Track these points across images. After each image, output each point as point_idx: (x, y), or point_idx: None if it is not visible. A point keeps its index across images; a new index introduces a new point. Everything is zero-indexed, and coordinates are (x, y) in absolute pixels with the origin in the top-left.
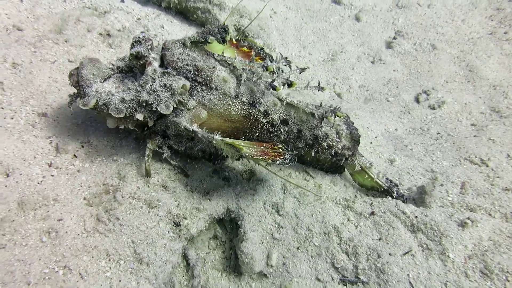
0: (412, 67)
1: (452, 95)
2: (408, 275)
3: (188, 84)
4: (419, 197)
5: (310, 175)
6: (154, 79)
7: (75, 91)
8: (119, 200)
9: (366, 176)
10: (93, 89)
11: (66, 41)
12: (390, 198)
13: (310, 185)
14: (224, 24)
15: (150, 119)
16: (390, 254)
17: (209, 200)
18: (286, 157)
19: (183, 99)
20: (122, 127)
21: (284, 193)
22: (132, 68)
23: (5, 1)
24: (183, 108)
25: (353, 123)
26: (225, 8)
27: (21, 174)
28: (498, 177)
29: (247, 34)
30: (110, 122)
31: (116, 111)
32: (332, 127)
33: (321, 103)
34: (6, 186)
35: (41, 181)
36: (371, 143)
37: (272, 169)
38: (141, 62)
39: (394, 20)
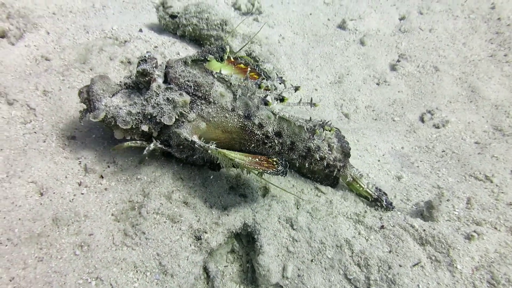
0: (416, 88)
1: (455, 114)
2: (418, 285)
3: (188, 98)
4: (427, 212)
5: (322, 192)
6: (158, 94)
7: (85, 107)
8: (144, 216)
9: (358, 186)
10: (102, 103)
11: (91, 69)
12: (380, 206)
13: (322, 201)
14: (222, 44)
15: (154, 130)
16: (400, 266)
17: (227, 215)
18: (278, 169)
19: (184, 112)
20: (128, 137)
21: (297, 208)
22: (138, 84)
23: (33, 34)
24: (184, 120)
25: (344, 137)
26: (237, 35)
27: (54, 193)
28: (502, 192)
29: (257, 59)
30: (118, 134)
31: (123, 123)
32: (323, 140)
33: (310, 118)
34: (41, 204)
35: (73, 199)
36: (378, 160)
37: (278, 183)
38: (147, 79)
39: (397, 43)
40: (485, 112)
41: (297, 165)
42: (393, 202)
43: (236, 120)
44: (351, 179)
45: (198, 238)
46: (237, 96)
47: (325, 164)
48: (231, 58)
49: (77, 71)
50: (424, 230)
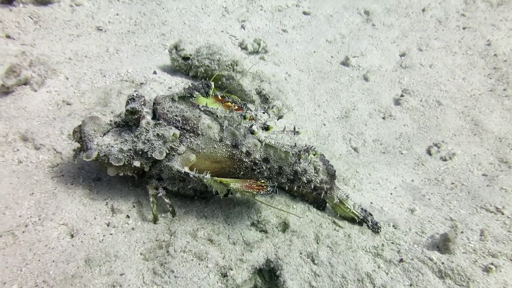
0: (421, 122)
1: (461, 147)
2: None
3: (178, 132)
4: (443, 244)
5: (339, 226)
6: (148, 130)
7: (79, 145)
8: (172, 254)
9: (345, 207)
10: (94, 143)
11: (112, 112)
12: (366, 227)
13: (340, 235)
14: (207, 80)
15: (146, 165)
16: None
17: (251, 251)
18: (268, 189)
19: (174, 145)
20: (121, 174)
21: (317, 243)
22: (128, 122)
23: (53, 79)
24: (174, 154)
25: (328, 161)
26: (247, 74)
27: (84, 234)
28: None
29: (267, 97)
30: (111, 171)
31: (116, 160)
32: (309, 163)
33: (295, 144)
34: (73, 245)
35: (102, 240)
36: (391, 194)
37: (296, 218)
38: (136, 116)
39: (399, 79)
40: (490, 144)
41: (287, 188)
42: (398, 229)
43: (224, 150)
44: (338, 201)
45: (224, 275)
46: (224, 127)
47: (312, 187)
48: (219, 96)
49: (99, 115)
50: (443, 263)
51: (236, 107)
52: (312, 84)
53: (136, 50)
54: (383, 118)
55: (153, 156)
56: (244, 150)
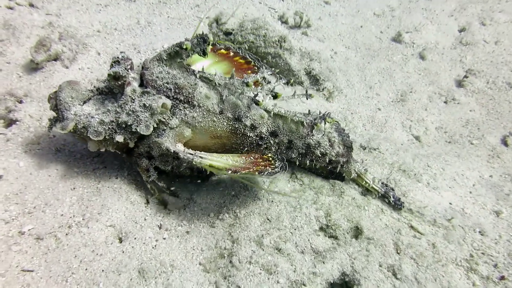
0: (490, 107)
1: None
2: None
3: (168, 102)
4: None
5: (419, 232)
6: (133, 99)
7: (55, 115)
8: (236, 266)
9: (364, 182)
10: (71, 112)
11: None
12: (388, 203)
13: (424, 244)
14: (203, 33)
15: (130, 141)
16: None
17: (323, 262)
18: (276, 165)
19: (164, 118)
20: (103, 150)
21: (398, 253)
22: (112, 89)
23: (85, 55)
24: (165, 128)
25: (344, 130)
26: (294, 52)
27: (135, 238)
28: None
29: (318, 78)
30: (91, 146)
31: (94, 133)
32: (323, 134)
33: (309, 111)
34: (123, 252)
35: (155, 246)
36: (470, 192)
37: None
38: (119, 83)
39: (461, 57)
40: None
41: (297, 163)
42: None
43: (225, 123)
44: (356, 175)
45: None
46: (225, 97)
47: (327, 161)
48: (217, 47)
49: None
50: None
51: (235, 58)
52: (361, 63)
53: (169, 23)
54: (445, 102)
55: (138, 130)
56: (248, 123)
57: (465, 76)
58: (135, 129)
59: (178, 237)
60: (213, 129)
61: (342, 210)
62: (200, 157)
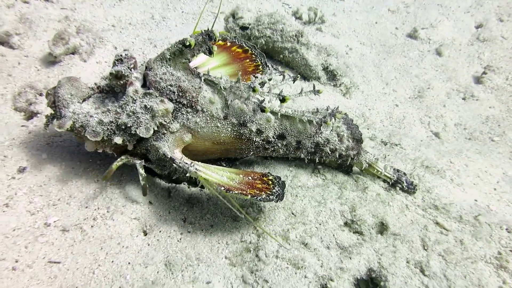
0: (511, 104)
1: None
2: None
3: (170, 106)
4: None
5: (445, 228)
6: (135, 100)
7: (52, 112)
8: (263, 260)
9: (375, 171)
10: (70, 110)
11: None
12: (401, 188)
13: (451, 240)
14: (208, 29)
15: (129, 143)
16: None
17: (350, 258)
18: (274, 191)
19: (165, 122)
20: (100, 150)
21: (425, 249)
22: (114, 88)
23: (102, 49)
24: (165, 132)
25: (352, 121)
26: (311, 47)
27: (160, 231)
28: None
29: (335, 73)
30: (89, 146)
31: (92, 134)
32: (332, 130)
33: (317, 109)
34: (148, 244)
35: (180, 239)
36: (495, 189)
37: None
38: (122, 82)
39: (479, 54)
40: None
41: (306, 161)
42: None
43: (230, 129)
44: (367, 165)
45: (324, 287)
46: (229, 102)
47: (337, 156)
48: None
49: None
50: None
51: (233, 48)
52: (377, 59)
53: (184, 18)
54: (464, 98)
55: (138, 132)
56: (254, 128)
57: (484, 73)
58: (135, 131)
59: (202, 230)
60: (217, 134)
61: (366, 205)
62: (196, 168)
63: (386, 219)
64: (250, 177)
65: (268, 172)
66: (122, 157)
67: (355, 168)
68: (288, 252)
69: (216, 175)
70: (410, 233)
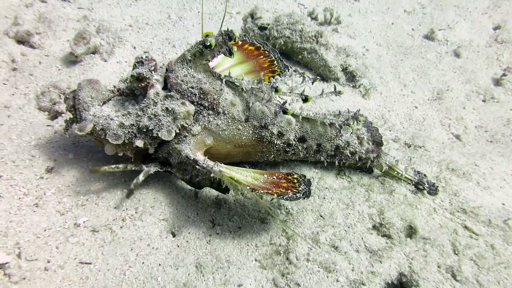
0: None
1: None
2: None
3: (192, 108)
4: None
5: (474, 232)
6: (156, 103)
7: (71, 116)
8: (294, 263)
9: (395, 173)
10: (90, 113)
11: None
12: (422, 189)
13: (482, 245)
14: (228, 29)
15: (150, 146)
16: None
17: (380, 262)
18: (300, 189)
19: (187, 124)
20: (121, 154)
21: (456, 254)
22: (134, 91)
23: (121, 48)
24: (187, 134)
25: (371, 123)
26: (330, 47)
27: (189, 233)
28: None
29: (354, 74)
30: (108, 149)
31: (114, 137)
32: (352, 133)
33: (339, 111)
34: (178, 246)
35: (209, 240)
36: None
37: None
38: (143, 84)
39: (497, 56)
40: None
41: (325, 164)
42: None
43: (251, 131)
44: (387, 167)
45: None
46: (251, 104)
47: (357, 158)
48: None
49: None
50: None
51: (256, 51)
52: (394, 60)
53: (200, 18)
54: (483, 101)
55: (159, 135)
56: (275, 131)
57: (504, 75)
58: (156, 134)
59: (230, 232)
60: (238, 137)
61: (394, 208)
62: (220, 169)
63: (415, 222)
64: (274, 177)
65: (292, 171)
66: (120, 165)
67: (376, 171)
68: (319, 255)
69: (240, 176)
70: (440, 237)
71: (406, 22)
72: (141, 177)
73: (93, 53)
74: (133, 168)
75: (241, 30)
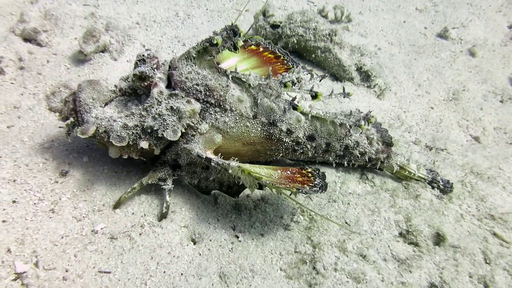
0: None
1: None
2: None
3: (197, 106)
4: None
5: (504, 240)
6: (160, 102)
7: (72, 119)
8: (322, 273)
9: (407, 173)
10: (92, 115)
11: None
12: (437, 187)
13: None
14: (232, 24)
15: (156, 147)
16: None
17: (410, 272)
18: (316, 182)
19: (193, 123)
20: (126, 156)
21: (488, 263)
22: (136, 90)
23: (130, 47)
24: (194, 133)
25: (381, 124)
26: (344, 46)
27: (211, 240)
28: None
29: (369, 74)
30: (113, 152)
31: (117, 139)
32: (361, 133)
33: (351, 111)
34: (200, 254)
35: (232, 248)
36: None
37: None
38: (146, 83)
39: None
40: None
41: (334, 165)
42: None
43: (259, 128)
44: (398, 167)
45: None
46: (259, 100)
47: (366, 159)
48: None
49: None
50: None
51: (265, 53)
52: (407, 59)
53: (209, 15)
54: (501, 101)
55: (165, 135)
56: (284, 128)
57: None
58: (162, 134)
59: (253, 239)
60: (246, 135)
61: (421, 214)
62: (238, 164)
63: (443, 229)
64: (288, 172)
65: (304, 165)
66: (137, 186)
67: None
68: (347, 265)
69: (256, 171)
70: (469, 245)
71: (418, 20)
72: (167, 198)
73: (103, 51)
74: (149, 182)
75: (251, 29)
